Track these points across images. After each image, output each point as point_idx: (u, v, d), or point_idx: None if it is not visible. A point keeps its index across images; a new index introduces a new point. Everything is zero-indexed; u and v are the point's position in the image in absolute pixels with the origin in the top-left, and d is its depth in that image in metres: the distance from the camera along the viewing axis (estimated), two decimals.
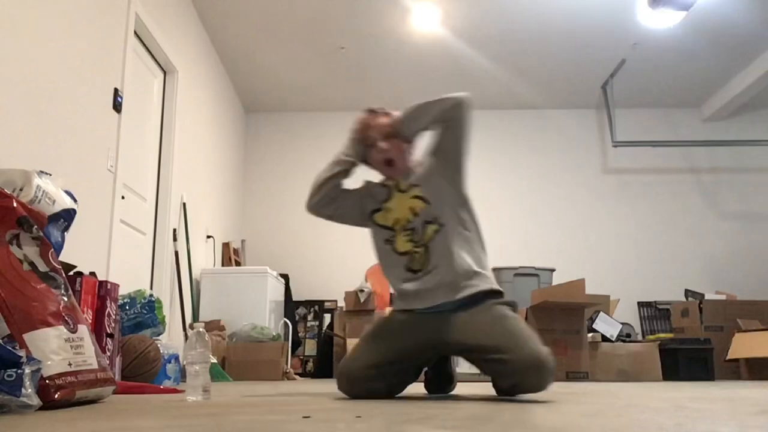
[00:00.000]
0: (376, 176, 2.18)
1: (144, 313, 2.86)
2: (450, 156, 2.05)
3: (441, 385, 2.25)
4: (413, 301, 1.99)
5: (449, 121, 2.00)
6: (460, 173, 2.06)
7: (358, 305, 5.20)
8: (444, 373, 2.24)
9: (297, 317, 6.15)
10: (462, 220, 2.02)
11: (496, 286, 1.99)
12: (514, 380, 1.74)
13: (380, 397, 1.89)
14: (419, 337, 1.93)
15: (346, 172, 2.09)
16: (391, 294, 5.68)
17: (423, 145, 2.13)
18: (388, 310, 4.93)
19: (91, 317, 2.21)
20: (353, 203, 2.12)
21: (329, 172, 2.08)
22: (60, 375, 1.42)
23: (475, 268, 1.97)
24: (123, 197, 3.60)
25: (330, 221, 2.16)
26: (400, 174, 2.07)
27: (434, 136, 2.07)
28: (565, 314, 4.14)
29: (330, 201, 2.09)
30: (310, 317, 6.23)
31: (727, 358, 4.65)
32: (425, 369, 2.21)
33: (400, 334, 1.96)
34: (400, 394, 2.03)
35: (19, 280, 1.48)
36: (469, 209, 2.07)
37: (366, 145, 2.08)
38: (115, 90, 3.47)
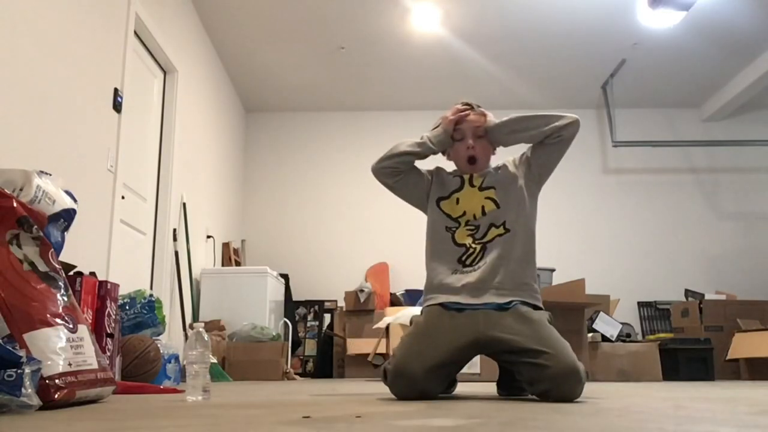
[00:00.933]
0: (446, 164, 2.20)
1: (144, 313, 2.86)
2: (541, 171, 2.09)
3: None
4: (457, 296, 1.96)
5: (557, 138, 2.02)
6: (539, 189, 2.12)
7: (358, 305, 5.20)
8: None
9: (297, 317, 6.15)
10: (528, 232, 2.05)
11: (540, 303, 2.00)
12: (548, 386, 1.75)
13: (431, 398, 1.86)
14: (467, 336, 1.90)
15: (423, 156, 2.11)
16: (392, 294, 5.69)
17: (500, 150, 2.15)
18: (390, 309, 4.94)
19: (91, 317, 2.21)
20: (417, 183, 2.14)
21: (409, 148, 2.09)
22: (60, 375, 1.42)
23: (527, 281, 2.00)
24: (123, 197, 3.60)
25: (386, 188, 2.17)
26: (477, 172, 2.10)
27: (528, 149, 2.11)
28: (565, 314, 4.13)
29: (396, 173, 2.11)
30: (310, 317, 6.23)
31: (727, 358, 4.65)
32: None
33: (451, 334, 1.91)
34: None
35: (19, 280, 1.48)
36: (533, 223, 2.09)
37: (454, 137, 2.10)
38: (115, 90, 3.47)
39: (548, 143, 2.04)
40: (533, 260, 2.05)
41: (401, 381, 1.84)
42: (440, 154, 2.17)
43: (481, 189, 2.07)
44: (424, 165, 2.16)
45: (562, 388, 1.73)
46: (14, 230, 1.55)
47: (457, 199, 2.07)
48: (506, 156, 2.18)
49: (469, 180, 2.09)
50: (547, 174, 2.11)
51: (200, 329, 1.78)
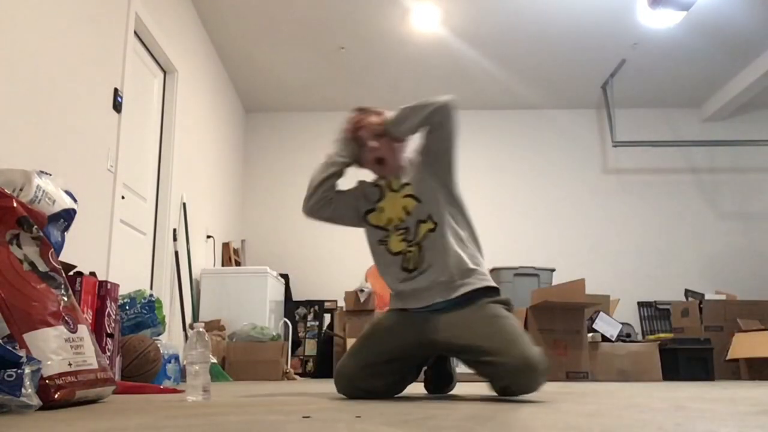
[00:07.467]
0: (369, 176, 2.17)
1: (144, 313, 2.85)
2: (438, 157, 2.04)
3: (441, 385, 2.25)
4: (409, 301, 2.00)
5: (434, 124, 1.99)
6: (450, 173, 2.05)
7: (358, 305, 5.19)
8: (444, 373, 2.24)
9: (297, 317, 6.15)
10: (455, 218, 2.02)
11: (491, 283, 1.98)
12: (505, 382, 1.75)
13: (378, 396, 1.89)
14: (414, 336, 1.94)
15: (339, 173, 2.09)
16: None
17: (414, 143, 2.12)
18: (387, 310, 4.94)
19: (91, 317, 2.21)
20: (348, 204, 2.12)
21: (323, 174, 2.07)
22: (60, 375, 1.42)
23: (470, 266, 1.97)
24: (123, 197, 3.60)
25: (327, 223, 2.16)
26: (392, 173, 2.07)
27: (422, 137, 2.06)
28: (565, 314, 4.13)
29: (326, 203, 2.08)
30: (310, 317, 6.22)
31: (727, 358, 4.65)
32: (425, 368, 2.22)
33: (396, 333, 1.97)
34: (399, 394, 2.03)
35: (19, 280, 1.48)
36: (460, 207, 2.06)
37: (358, 144, 2.07)
38: (115, 90, 3.47)
39: (431, 130, 2.01)
40: (470, 242, 2.02)
41: (339, 379, 1.93)
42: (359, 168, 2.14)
43: (399, 190, 2.05)
44: (348, 183, 2.14)
45: (519, 383, 1.73)
46: (14, 230, 1.54)
47: (381, 208, 2.06)
48: None
49: (389, 186, 2.07)
50: (444, 158, 2.04)
51: (200, 329, 1.78)
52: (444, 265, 1.94)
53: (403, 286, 2.00)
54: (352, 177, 2.18)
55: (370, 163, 2.08)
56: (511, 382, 1.73)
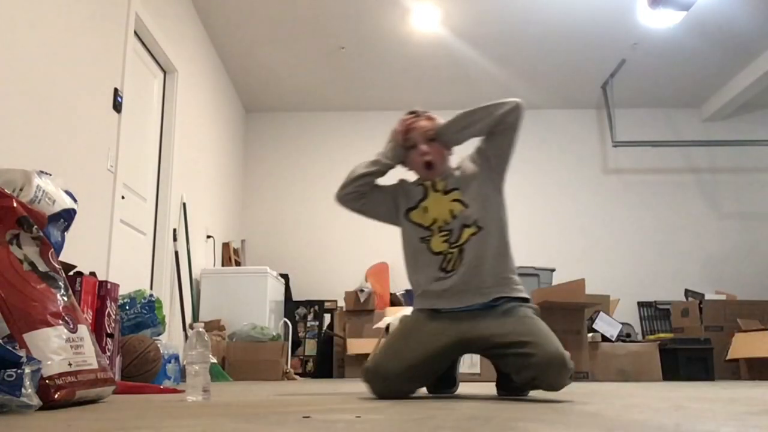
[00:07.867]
0: (410, 175, 2.19)
1: (144, 313, 2.86)
2: (497, 161, 2.07)
3: (442, 386, 2.24)
4: (441, 301, 2.00)
5: (502, 125, 2.00)
6: (502, 178, 2.09)
7: (358, 305, 5.19)
8: (448, 376, 2.23)
9: (297, 317, 6.15)
10: (500, 225, 2.05)
11: (524, 294, 2.01)
12: (534, 374, 1.76)
13: (406, 396, 1.91)
14: (450, 336, 1.95)
15: (381, 173, 2.11)
16: (392, 294, 5.69)
17: (461, 149, 2.14)
18: (390, 309, 4.94)
19: (91, 317, 2.21)
20: (383, 200, 2.14)
21: (365, 169, 2.09)
22: (60, 375, 1.42)
23: (506, 274, 2.01)
24: (123, 197, 3.60)
25: (355, 213, 2.17)
26: (438, 176, 2.09)
27: (481, 141, 2.09)
28: (565, 314, 4.13)
29: (360, 196, 2.11)
30: (310, 317, 6.22)
31: (727, 358, 4.65)
32: None
33: (434, 334, 1.96)
34: None
35: (19, 280, 1.48)
36: (506, 214, 2.09)
37: (406, 146, 2.09)
38: (115, 90, 3.47)
39: (497, 132, 2.03)
40: (509, 252, 2.06)
41: (377, 380, 1.90)
42: (403, 167, 2.16)
43: (445, 192, 2.07)
44: (388, 181, 2.16)
45: (548, 376, 1.75)
46: (14, 230, 1.54)
47: (425, 208, 2.07)
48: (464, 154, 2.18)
49: (433, 186, 2.08)
50: (504, 163, 2.08)
51: (200, 329, 1.78)
52: (480, 269, 1.97)
53: (435, 286, 2.01)
54: (396, 175, 2.20)
55: (417, 165, 2.09)
56: (539, 375, 1.75)
